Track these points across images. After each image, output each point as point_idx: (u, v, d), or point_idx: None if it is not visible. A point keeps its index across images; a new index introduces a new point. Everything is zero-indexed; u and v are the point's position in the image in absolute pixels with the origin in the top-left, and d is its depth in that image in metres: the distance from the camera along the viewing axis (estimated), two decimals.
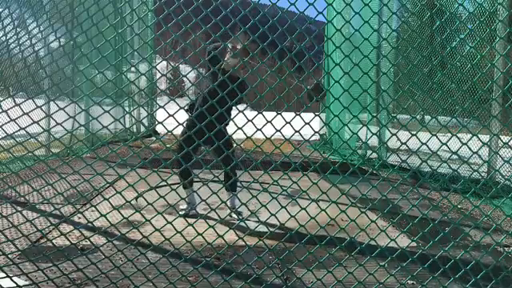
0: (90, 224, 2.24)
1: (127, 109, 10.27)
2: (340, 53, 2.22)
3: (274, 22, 2.13)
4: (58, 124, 2.01)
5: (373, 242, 2.22)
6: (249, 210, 2.18)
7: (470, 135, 2.25)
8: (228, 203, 3.89)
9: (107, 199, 2.16)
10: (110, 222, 2.11)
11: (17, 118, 1.99)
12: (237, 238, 2.25)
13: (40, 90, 4.27)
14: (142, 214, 2.17)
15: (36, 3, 2.94)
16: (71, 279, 2.25)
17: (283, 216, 2.16)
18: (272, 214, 2.14)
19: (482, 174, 5.54)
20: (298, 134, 2.13)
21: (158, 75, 14.31)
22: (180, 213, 3.84)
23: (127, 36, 9.49)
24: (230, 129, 1.95)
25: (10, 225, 2.18)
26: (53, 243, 2.20)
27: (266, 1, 2.17)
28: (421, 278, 2.27)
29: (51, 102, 2.67)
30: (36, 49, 2.08)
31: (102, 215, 2.06)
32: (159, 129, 12.84)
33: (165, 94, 2.47)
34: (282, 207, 2.14)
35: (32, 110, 2.07)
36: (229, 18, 2.16)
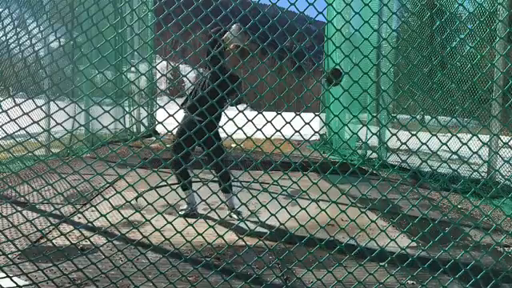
0: (90, 224, 2.24)
1: (127, 109, 10.27)
2: (340, 53, 2.22)
3: (274, 21, 2.13)
4: (57, 124, 2.01)
5: (373, 242, 2.22)
6: (249, 209, 2.18)
7: (469, 135, 2.25)
8: (227, 204, 3.89)
9: (107, 199, 2.16)
10: (110, 222, 2.11)
11: (17, 118, 1.99)
12: (237, 238, 2.25)
13: (40, 90, 4.27)
14: (142, 214, 2.17)
15: (36, 3, 2.94)
16: (71, 279, 2.25)
17: (283, 216, 2.16)
18: (272, 214, 2.14)
19: (482, 174, 5.54)
20: (298, 133, 2.13)
21: (158, 75, 14.31)
22: (180, 213, 3.84)
23: (127, 36, 9.49)
24: (230, 128, 1.94)
25: (10, 225, 2.18)
26: (53, 243, 2.20)
27: (266, 1, 2.17)
28: (421, 278, 2.27)
29: (51, 102, 2.67)
30: (36, 49, 2.08)
31: (101, 215, 2.06)
32: (159, 129, 12.84)
33: (165, 93, 2.47)
34: (282, 207, 2.14)
35: (32, 110, 2.07)
36: (229, 17, 2.16)
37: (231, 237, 2.71)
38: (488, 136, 4.45)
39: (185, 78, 3.94)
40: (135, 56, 11.65)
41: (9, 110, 1.94)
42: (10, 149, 2.03)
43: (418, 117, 2.34)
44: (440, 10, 6.09)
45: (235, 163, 2.15)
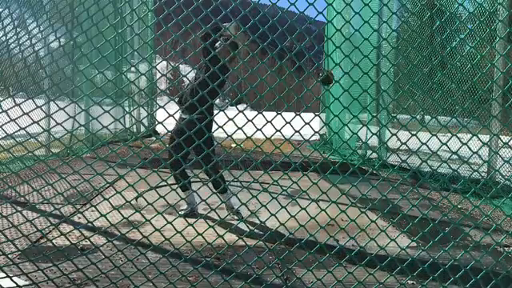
0: (90, 224, 2.24)
1: (127, 109, 10.28)
2: (340, 53, 2.22)
3: (274, 21, 2.13)
4: (57, 124, 2.01)
5: (373, 242, 2.22)
6: (249, 209, 2.18)
7: (469, 135, 2.25)
8: (225, 205, 3.89)
9: (107, 199, 2.16)
10: (110, 222, 2.11)
11: (17, 118, 1.99)
12: (237, 237, 2.25)
13: (40, 90, 4.27)
14: (142, 214, 2.17)
15: (36, 3, 2.94)
16: (71, 279, 2.25)
17: (283, 216, 2.16)
18: (272, 214, 2.14)
19: (482, 174, 5.54)
20: (298, 133, 2.13)
21: (158, 75, 14.31)
22: (180, 213, 3.84)
23: (127, 36, 9.50)
24: (230, 128, 1.94)
25: (10, 225, 2.18)
26: (53, 243, 2.20)
27: (266, 1, 2.17)
28: (421, 278, 2.27)
29: (51, 102, 2.67)
30: (36, 49, 2.08)
31: (101, 215, 2.06)
32: (159, 129, 12.84)
33: (165, 93, 2.47)
34: (282, 207, 2.14)
35: (32, 110, 2.07)
36: (229, 18, 2.16)
37: (231, 237, 2.70)
38: (488, 136, 4.46)
39: (185, 78, 3.95)
40: (135, 56, 11.66)
41: (9, 109, 1.94)
42: (10, 149, 2.03)
43: (418, 117, 2.34)
44: (440, 9, 6.09)
45: (235, 163, 2.15)
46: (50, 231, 3.18)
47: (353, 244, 2.97)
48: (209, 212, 2.55)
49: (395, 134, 2.24)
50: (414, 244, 3.05)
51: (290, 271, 2.49)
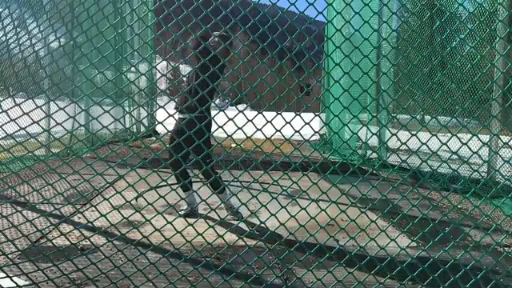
0: (90, 224, 2.24)
1: (127, 109, 10.28)
2: (340, 53, 2.22)
3: (274, 21, 2.13)
4: (57, 124, 2.01)
5: (373, 242, 2.22)
6: (249, 209, 2.18)
7: (469, 135, 2.25)
8: (225, 205, 3.88)
9: (107, 199, 2.16)
10: (110, 222, 2.11)
11: (17, 118, 1.99)
12: (237, 237, 2.25)
13: (40, 90, 4.27)
14: (142, 214, 2.17)
15: (36, 3, 2.94)
16: (71, 279, 2.25)
17: (283, 216, 2.16)
18: (272, 214, 2.14)
19: (482, 174, 5.54)
20: (298, 133, 2.13)
21: (158, 75, 14.31)
22: (180, 213, 3.84)
23: (127, 36, 9.50)
24: (230, 128, 1.94)
25: (10, 225, 2.18)
26: (53, 243, 2.20)
27: (266, 1, 2.16)
28: (421, 278, 2.27)
29: (51, 102, 2.67)
30: (36, 49, 2.08)
31: (101, 215, 2.06)
32: (159, 129, 12.84)
33: (165, 93, 2.47)
34: (282, 207, 2.14)
35: (32, 110, 2.07)
36: (229, 17, 2.16)
37: (231, 237, 2.71)
38: (488, 136, 4.45)
39: (185, 78, 3.95)
40: (135, 56, 11.66)
41: (9, 109, 1.94)
42: (10, 149, 2.03)
43: (418, 117, 2.34)
44: (440, 10, 6.09)
45: (235, 163, 2.15)
46: (50, 231, 3.18)
47: (353, 244, 2.97)
48: (209, 212, 2.55)
49: (395, 134, 2.24)
50: (414, 244, 3.05)
51: (290, 271, 2.49)
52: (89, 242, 2.30)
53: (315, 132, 2.20)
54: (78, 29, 2.07)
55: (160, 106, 2.25)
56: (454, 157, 2.19)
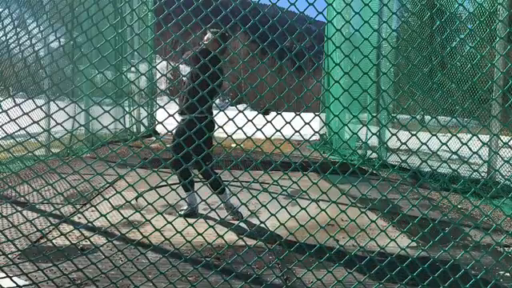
0: (90, 224, 2.24)
1: (127, 109, 10.27)
2: (340, 53, 2.22)
3: (274, 21, 2.13)
4: (57, 124, 2.01)
5: (373, 242, 2.22)
6: (249, 209, 2.18)
7: (469, 135, 2.25)
8: (224, 205, 3.88)
9: (107, 199, 2.16)
10: (110, 222, 2.11)
11: (17, 118, 1.99)
12: (237, 237, 2.25)
13: (40, 90, 4.27)
14: (142, 214, 2.17)
15: (36, 3, 2.94)
16: (71, 279, 2.25)
17: (283, 216, 2.16)
18: (272, 214, 2.14)
19: (482, 174, 5.54)
20: (298, 133, 2.13)
21: (158, 75, 14.30)
22: (180, 213, 3.84)
23: (127, 36, 9.49)
24: (230, 128, 1.94)
25: (10, 225, 2.18)
26: (53, 243, 2.20)
27: (266, 1, 2.17)
28: (421, 278, 2.27)
29: (51, 102, 2.67)
30: (36, 49, 2.08)
31: (101, 215, 2.06)
32: (159, 129, 12.83)
33: (165, 93, 2.47)
34: (282, 207, 2.14)
35: (32, 110, 2.07)
36: (229, 17, 2.16)
37: (231, 237, 2.70)
38: (488, 136, 4.46)
39: (185, 78, 3.95)
40: (135, 56, 11.65)
41: (9, 109, 1.94)
42: (10, 149, 2.03)
43: (418, 117, 2.34)
44: (440, 10, 6.09)
45: (235, 163, 2.15)
46: (50, 231, 3.18)
47: (353, 244, 2.98)
48: (209, 212, 2.55)
49: (395, 134, 2.24)
50: (414, 244, 3.05)
51: (290, 271, 2.49)
52: (89, 242, 2.30)
53: (315, 132, 2.20)
54: (78, 29, 2.07)
55: (160, 106, 2.25)
56: (454, 157, 2.20)
